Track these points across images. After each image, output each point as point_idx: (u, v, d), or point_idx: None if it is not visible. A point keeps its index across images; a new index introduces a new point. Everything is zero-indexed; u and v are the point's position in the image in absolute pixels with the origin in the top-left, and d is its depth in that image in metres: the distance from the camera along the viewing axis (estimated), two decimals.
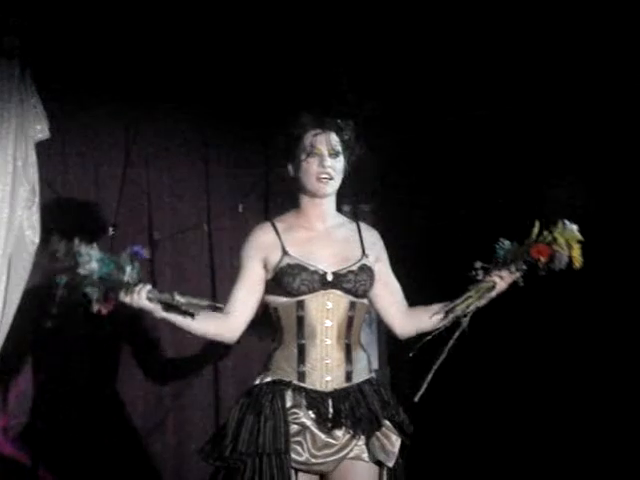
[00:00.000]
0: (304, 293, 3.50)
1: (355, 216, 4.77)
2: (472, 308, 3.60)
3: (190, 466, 4.60)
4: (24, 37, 4.45)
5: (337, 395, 3.47)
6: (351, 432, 3.47)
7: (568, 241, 3.50)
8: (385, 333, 4.81)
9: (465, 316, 3.60)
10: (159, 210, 4.81)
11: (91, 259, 3.27)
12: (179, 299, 3.38)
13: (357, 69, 4.87)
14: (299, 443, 3.44)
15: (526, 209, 3.61)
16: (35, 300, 4.48)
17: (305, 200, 3.61)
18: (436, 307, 3.64)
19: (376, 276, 3.61)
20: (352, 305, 3.54)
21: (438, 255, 4.71)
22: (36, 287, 4.50)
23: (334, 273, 3.53)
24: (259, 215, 4.77)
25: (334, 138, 3.58)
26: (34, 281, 4.49)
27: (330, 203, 3.64)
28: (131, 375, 4.69)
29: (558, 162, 4.54)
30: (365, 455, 3.51)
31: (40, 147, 4.52)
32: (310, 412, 3.46)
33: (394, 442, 3.54)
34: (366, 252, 3.63)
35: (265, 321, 3.66)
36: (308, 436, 3.45)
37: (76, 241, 3.30)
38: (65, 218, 4.61)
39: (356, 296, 3.55)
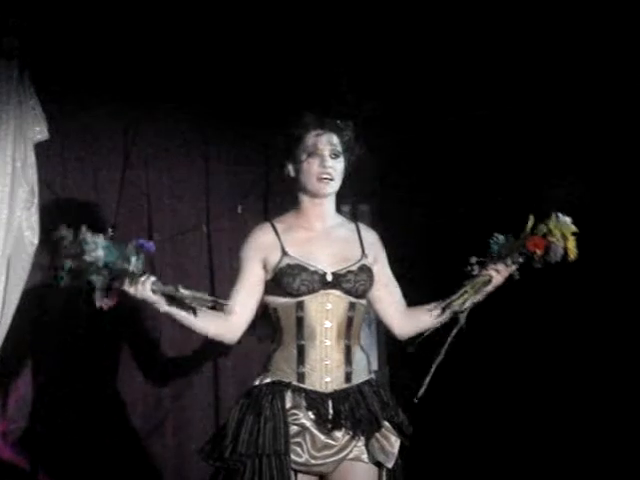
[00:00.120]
0: (304, 293, 3.49)
1: (354, 216, 4.79)
2: (469, 304, 3.60)
3: (190, 466, 4.59)
4: (23, 38, 4.45)
5: (337, 396, 3.47)
6: (351, 433, 3.47)
7: (563, 233, 3.52)
8: (384, 334, 4.80)
9: (462, 312, 3.60)
10: (159, 211, 4.80)
11: (97, 247, 3.28)
12: (183, 292, 3.38)
13: (356, 69, 4.86)
14: (299, 444, 3.43)
15: (525, 207, 3.59)
16: (34, 301, 4.50)
17: (305, 200, 3.61)
18: (434, 305, 3.65)
19: (375, 277, 3.61)
20: (352, 306, 3.54)
21: (437, 255, 4.71)
22: (35, 288, 4.51)
23: (334, 273, 3.53)
24: (258, 216, 4.76)
25: (335, 139, 3.59)
26: (33, 282, 4.50)
27: (330, 203, 3.64)
28: (131, 376, 4.69)
29: (557, 160, 4.55)
30: (364, 456, 3.51)
31: (39, 148, 4.52)
32: (310, 413, 3.46)
33: (393, 443, 3.54)
34: (365, 252, 3.63)
35: (265, 322, 3.66)
36: (308, 437, 3.45)
37: (83, 229, 3.32)
38: (64, 219, 4.58)
39: (355, 296, 3.55)
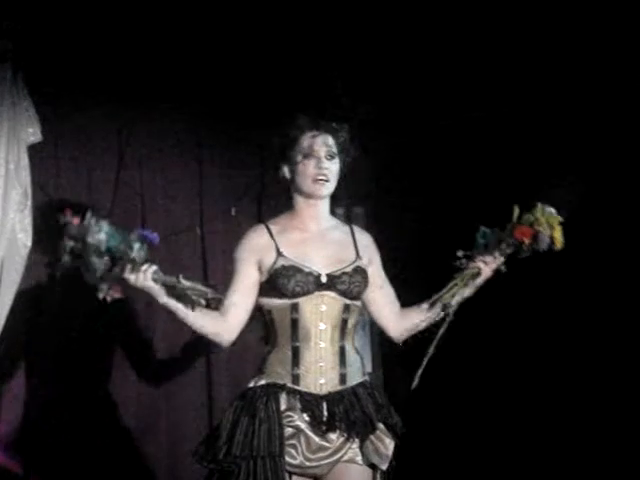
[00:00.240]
0: (299, 295, 3.49)
1: (349, 219, 4.79)
2: (458, 297, 3.60)
3: (183, 467, 4.58)
4: (16, 40, 4.45)
5: (331, 398, 3.47)
6: (345, 435, 3.46)
7: (549, 222, 3.53)
8: (378, 335, 4.80)
9: (452, 306, 3.59)
10: (152, 212, 4.80)
11: (101, 230, 3.29)
12: (184, 282, 3.38)
13: (351, 72, 4.86)
14: (293, 446, 3.43)
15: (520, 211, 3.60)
16: (28, 303, 4.49)
17: (300, 202, 3.61)
18: (425, 303, 3.65)
19: (370, 279, 3.61)
20: (346, 307, 3.54)
21: (431, 257, 4.69)
22: (28, 290, 4.51)
23: (328, 275, 3.53)
24: (252, 219, 4.75)
25: (330, 140, 3.59)
26: (26, 284, 4.50)
27: (324, 205, 3.64)
28: (124, 377, 4.69)
29: (552, 164, 4.55)
30: (359, 458, 3.50)
31: (32, 150, 4.52)
32: (304, 415, 3.46)
33: (388, 445, 3.53)
34: (360, 254, 3.63)
35: (258, 324, 3.66)
36: (302, 439, 3.44)
37: (88, 214, 3.32)
38: (57, 221, 4.59)
39: (350, 298, 3.55)
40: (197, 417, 4.79)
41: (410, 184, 4.96)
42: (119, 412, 4.66)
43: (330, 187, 3.58)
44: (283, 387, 3.47)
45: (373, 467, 3.53)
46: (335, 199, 3.69)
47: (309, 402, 3.45)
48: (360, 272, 3.58)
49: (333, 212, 3.73)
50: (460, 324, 4.23)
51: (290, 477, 3.44)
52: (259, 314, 3.61)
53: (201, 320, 3.47)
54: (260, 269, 3.55)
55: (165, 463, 4.73)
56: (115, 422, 4.65)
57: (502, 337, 4.77)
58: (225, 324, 3.52)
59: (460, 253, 3.60)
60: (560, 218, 3.55)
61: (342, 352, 3.53)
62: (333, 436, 3.46)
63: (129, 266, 3.32)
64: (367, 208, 5.14)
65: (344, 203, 4.87)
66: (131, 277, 3.35)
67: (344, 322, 3.54)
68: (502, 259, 3.59)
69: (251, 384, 3.53)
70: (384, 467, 3.52)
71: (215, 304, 3.51)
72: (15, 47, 4.44)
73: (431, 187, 4.86)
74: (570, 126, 4.56)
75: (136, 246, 3.31)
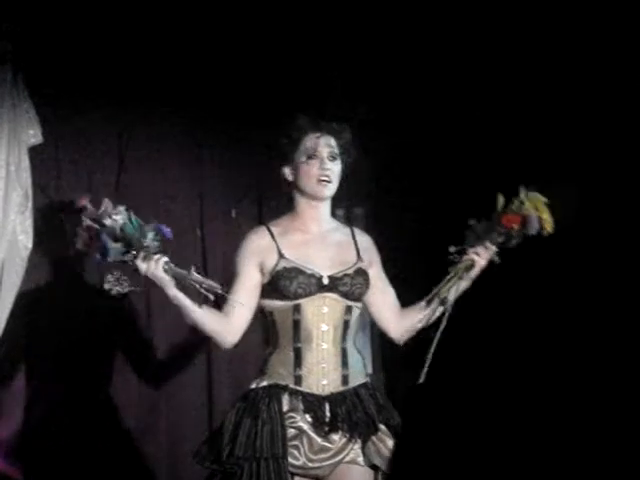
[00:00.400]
0: (301, 296, 3.50)
1: (349, 220, 4.79)
2: (454, 292, 3.61)
3: (184, 467, 4.56)
4: (16, 42, 4.44)
5: (334, 399, 3.48)
6: (347, 436, 3.47)
7: (535, 204, 3.55)
8: (379, 336, 4.80)
9: (448, 301, 3.60)
10: (153, 213, 4.79)
11: (119, 214, 3.35)
12: (195, 276, 3.39)
13: (350, 73, 4.86)
14: (296, 447, 3.44)
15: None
16: (28, 305, 4.49)
17: (302, 203, 3.62)
18: (423, 301, 3.67)
19: (371, 280, 3.62)
20: (348, 309, 3.55)
21: (431, 258, 4.70)
22: (29, 292, 4.51)
23: (330, 277, 3.54)
24: (252, 220, 4.75)
25: (333, 141, 3.60)
26: (27, 286, 4.49)
27: (326, 207, 3.65)
28: (125, 379, 4.67)
29: (551, 164, 4.56)
30: (360, 459, 3.52)
31: (33, 152, 4.52)
32: (307, 416, 3.47)
33: (390, 446, 3.55)
34: (361, 256, 3.64)
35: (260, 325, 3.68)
36: (305, 440, 3.45)
37: (105, 200, 3.35)
38: (58, 223, 4.60)
39: (352, 299, 3.56)
40: (197, 418, 4.77)
41: (410, 185, 4.95)
42: (119, 413, 4.65)
43: (332, 188, 3.60)
44: (285, 388, 3.48)
45: (375, 468, 3.54)
46: (335, 200, 3.70)
47: (312, 403, 3.46)
48: (361, 274, 3.59)
49: (333, 214, 3.74)
50: (461, 323, 4.25)
51: (292, 478, 3.44)
52: (260, 315, 3.62)
53: (206, 318, 3.48)
54: (262, 271, 3.56)
55: (165, 464, 4.71)
56: (115, 423, 4.64)
57: (503, 336, 4.77)
58: (229, 325, 3.52)
59: (452, 248, 3.62)
60: (545, 200, 3.56)
61: (344, 353, 3.54)
62: (335, 437, 3.47)
63: (142, 254, 3.36)
64: (367, 209, 5.14)
65: (344, 204, 4.86)
66: (142, 265, 3.37)
67: (346, 323, 3.55)
68: (494, 249, 3.60)
69: (253, 385, 3.54)
70: (385, 468, 3.54)
71: (222, 302, 3.51)
72: (15, 49, 4.42)
73: (431, 188, 4.86)
74: (570, 127, 4.56)
75: (150, 235, 3.36)
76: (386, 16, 4.68)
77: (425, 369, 3.56)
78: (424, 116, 4.89)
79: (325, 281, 3.53)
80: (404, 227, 4.81)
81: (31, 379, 4.53)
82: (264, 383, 3.51)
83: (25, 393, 4.52)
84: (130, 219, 3.36)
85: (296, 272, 3.51)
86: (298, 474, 3.46)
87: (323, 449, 3.46)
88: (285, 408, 3.46)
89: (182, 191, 4.84)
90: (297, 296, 3.50)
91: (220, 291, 3.42)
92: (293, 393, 3.48)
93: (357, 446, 3.50)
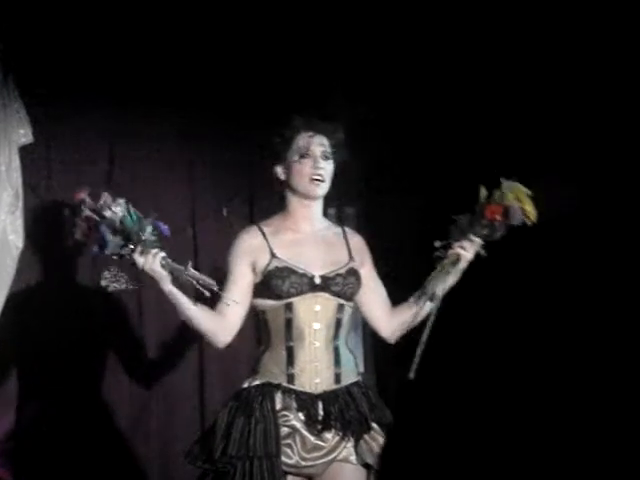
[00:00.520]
0: (293, 295, 3.50)
1: (340, 219, 4.80)
2: (443, 287, 3.60)
3: (176, 467, 4.56)
4: (7, 42, 4.44)
5: (326, 397, 3.48)
6: (340, 434, 3.48)
7: (517, 196, 3.55)
8: (370, 336, 4.81)
9: (437, 297, 3.60)
10: (143, 212, 4.77)
11: (119, 206, 3.35)
12: (191, 272, 3.39)
13: (343, 73, 4.86)
14: (289, 446, 3.44)
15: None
16: (19, 305, 4.49)
17: (294, 202, 3.62)
18: (412, 298, 3.67)
19: (362, 281, 3.62)
20: (340, 307, 3.56)
21: (423, 257, 4.72)
22: (20, 292, 4.50)
23: (322, 276, 3.54)
24: (244, 219, 4.76)
25: (325, 141, 3.61)
26: (18, 286, 4.49)
27: (318, 206, 3.65)
28: (116, 378, 4.67)
29: (547, 163, 4.57)
30: (353, 457, 3.52)
31: (24, 152, 4.51)
32: (300, 414, 3.47)
33: (382, 445, 3.55)
34: (352, 256, 3.65)
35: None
36: (298, 439, 3.45)
37: (105, 194, 3.37)
38: (49, 223, 4.60)
39: (344, 299, 3.57)
40: (189, 417, 4.77)
41: (401, 184, 4.96)
42: (111, 412, 4.64)
43: (325, 187, 3.60)
44: (278, 386, 3.48)
45: (367, 466, 3.54)
46: (326, 199, 3.70)
47: (304, 401, 3.46)
48: (353, 274, 3.59)
49: (325, 213, 3.75)
50: (454, 320, 4.26)
51: (285, 477, 3.44)
52: (252, 315, 3.62)
53: (201, 316, 3.47)
54: (254, 270, 3.56)
55: (157, 464, 4.71)
56: (107, 423, 4.63)
57: (496, 333, 4.77)
58: (223, 323, 3.51)
59: (437, 243, 3.63)
60: (527, 190, 3.56)
61: (336, 352, 3.54)
62: (328, 435, 3.47)
63: (139, 248, 3.35)
64: (358, 208, 5.15)
65: (335, 204, 4.87)
66: (140, 259, 3.37)
67: (338, 322, 3.55)
68: (479, 242, 3.60)
69: (245, 384, 3.53)
70: (378, 467, 3.54)
71: (217, 300, 3.51)
72: (6, 48, 4.43)
73: (422, 187, 4.86)
74: (571, 127, 4.57)
75: (148, 229, 3.36)
76: (381, 16, 4.69)
77: (415, 365, 3.56)
78: (416, 116, 4.90)
79: (317, 281, 3.53)
80: (395, 227, 4.81)
81: (22, 379, 4.52)
82: (257, 382, 3.51)
83: (16, 393, 4.51)
84: (130, 212, 3.36)
85: (288, 272, 3.51)
86: (291, 473, 3.46)
87: (316, 447, 3.46)
88: (278, 407, 3.46)
89: (173, 190, 4.83)
90: (289, 295, 3.50)
91: (215, 288, 3.41)
92: (286, 392, 3.48)
93: (350, 444, 3.50)
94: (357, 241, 3.73)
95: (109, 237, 3.32)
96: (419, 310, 3.63)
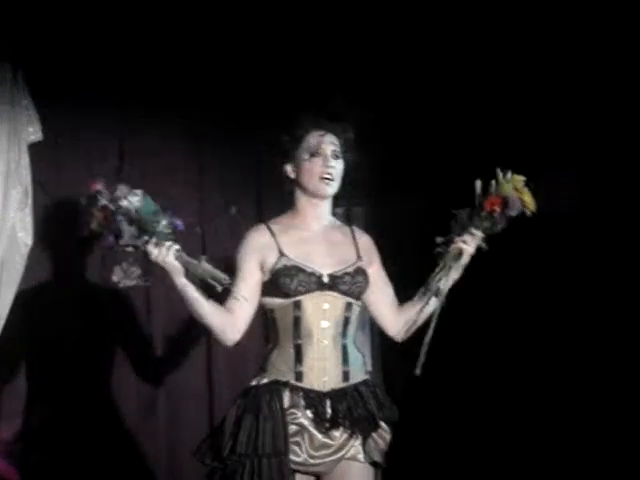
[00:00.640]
0: (301, 294, 3.50)
1: (348, 218, 4.80)
2: (447, 281, 3.60)
3: (183, 465, 4.58)
4: (17, 40, 4.45)
5: (334, 395, 3.48)
6: (349, 432, 3.48)
7: (514, 186, 3.56)
8: (378, 334, 4.81)
9: (441, 292, 3.60)
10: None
11: (136, 196, 3.35)
12: (205, 265, 3.38)
13: (350, 72, 4.87)
14: (297, 444, 3.44)
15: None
16: (28, 302, 4.50)
17: (303, 201, 3.63)
18: (417, 295, 3.68)
19: (370, 280, 3.62)
20: (348, 306, 3.56)
21: (431, 257, 4.72)
22: (29, 289, 4.51)
23: (330, 275, 3.54)
24: (252, 218, 4.76)
25: (336, 140, 3.62)
26: (27, 283, 4.50)
27: (327, 205, 3.66)
28: (123, 375, 4.67)
29: (553, 161, 4.58)
30: (361, 456, 3.52)
31: (33, 149, 4.52)
32: (308, 412, 3.47)
33: (390, 443, 3.56)
34: (360, 255, 3.65)
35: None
36: (306, 437, 3.45)
37: (121, 185, 3.37)
38: (58, 220, 4.61)
39: (352, 298, 3.57)
40: (197, 415, 4.77)
41: (409, 184, 4.97)
42: (118, 410, 4.65)
43: (335, 187, 3.60)
44: (286, 384, 3.48)
45: (375, 465, 3.55)
46: (335, 199, 3.70)
47: (313, 399, 3.46)
48: (361, 273, 3.60)
49: (333, 213, 3.75)
50: (459, 320, 4.27)
51: (293, 475, 3.44)
52: (260, 313, 3.62)
53: (210, 311, 3.46)
54: (262, 268, 3.56)
55: (165, 462, 4.71)
56: (114, 420, 4.63)
57: (501, 331, 4.79)
58: (232, 319, 3.51)
59: (439, 239, 3.63)
60: (523, 179, 3.57)
61: (344, 350, 3.54)
62: (336, 433, 3.47)
63: (154, 239, 3.34)
64: (366, 208, 5.15)
65: (344, 203, 4.86)
66: (154, 251, 3.36)
67: (346, 320, 3.55)
68: (480, 234, 3.60)
69: (253, 382, 3.53)
70: (386, 465, 3.55)
71: (227, 297, 3.51)
72: (16, 47, 4.44)
73: (430, 187, 4.87)
74: (571, 125, 4.58)
75: (163, 222, 3.35)
76: (386, 15, 4.70)
77: (421, 361, 3.56)
78: (424, 116, 4.90)
79: (325, 280, 3.53)
80: (403, 226, 4.82)
81: (31, 376, 4.53)
82: (265, 380, 3.51)
83: (25, 390, 4.52)
84: (147, 202, 3.35)
85: (296, 270, 3.51)
86: (299, 471, 3.45)
87: (324, 445, 3.46)
88: (286, 404, 3.46)
89: (182, 188, 4.83)
90: (297, 293, 3.50)
91: (226, 283, 3.40)
92: (294, 389, 3.48)
93: (358, 443, 3.51)
94: (365, 240, 3.73)
95: (124, 227, 3.31)
96: (423, 307, 3.64)
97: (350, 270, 3.58)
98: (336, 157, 3.60)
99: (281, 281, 3.50)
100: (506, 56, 4.69)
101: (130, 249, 3.38)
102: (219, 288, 3.40)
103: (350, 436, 3.49)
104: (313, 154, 3.57)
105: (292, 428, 3.44)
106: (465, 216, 3.61)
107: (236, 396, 3.55)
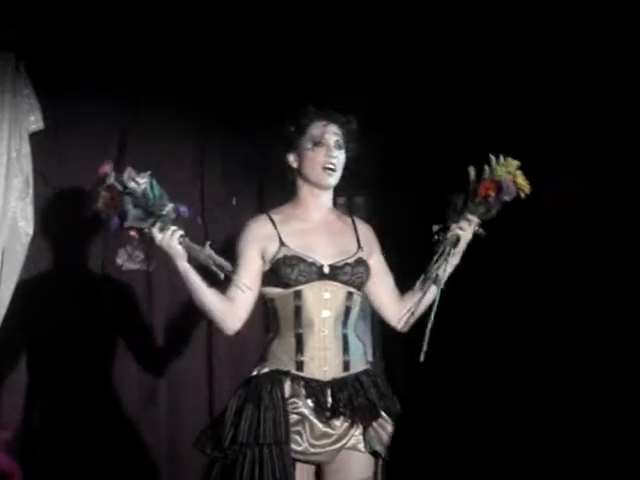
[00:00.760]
0: (301, 283, 3.51)
1: (349, 209, 4.81)
2: (445, 268, 3.61)
3: (184, 455, 4.57)
4: (19, 30, 4.45)
5: (335, 384, 3.49)
6: (349, 421, 3.49)
7: (507, 170, 3.56)
8: (379, 324, 4.81)
9: (441, 279, 3.61)
10: None
11: (143, 178, 3.37)
12: (209, 251, 3.39)
13: (351, 64, 4.86)
14: (298, 433, 3.45)
15: (521, 201, 3.63)
16: (29, 292, 4.50)
17: (304, 191, 3.63)
18: (417, 284, 3.69)
19: (371, 270, 3.62)
20: (349, 295, 3.56)
21: (432, 247, 4.73)
22: (30, 279, 4.51)
23: (331, 265, 3.55)
24: (253, 208, 4.76)
25: (339, 131, 3.62)
26: (28, 273, 4.50)
27: (328, 196, 3.67)
28: (124, 365, 4.67)
29: (555, 154, 4.57)
30: (361, 445, 3.53)
31: (34, 138, 4.52)
32: (309, 401, 3.48)
33: (390, 433, 3.56)
34: (361, 245, 3.66)
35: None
36: (307, 426, 3.46)
37: (129, 168, 3.38)
38: (59, 210, 4.61)
39: (353, 288, 3.57)
40: (198, 405, 4.77)
41: (411, 174, 4.97)
42: (119, 400, 4.65)
43: (337, 177, 3.61)
44: (287, 374, 3.49)
45: (375, 454, 3.56)
46: (336, 189, 3.71)
47: (313, 388, 3.47)
48: (362, 263, 3.61)
49: (334, 203, 3.75)
50: (460, 309, 4.27)
51: (294, 464, 3.44)
52: (261, 302, 3.63)
53: (212, 299, 3.47)
54: (263, 258, 3.57)
55: (165, 452, 4.72)
56: (115, 410, 4.64)
57: (502, 320, 4.79)
58: (232, 307, 3.51)
59: (435, 227, 3.64)
60: (516, 162, 3.57)
61: (345, 339, 3.55)
62: (337, 423, 3.48)
63: (159, 223, 3.36)
64: (368, 198, 5.15)
65: (345, 193, 4.87)
66: (158, 235, 3.37)
67: (347, 309, 3.56)
68: (476, 220, 3.60)
69: (254, 372, 3.54)
70: (385, 454, 3.55)
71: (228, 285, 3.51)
72: (18, 36, 4.44)
73: (432, 176, 4.87)
74: (572, 123, 4.58)
75: (169, 206, 3.36)
76: (387, 6, 4.69)
77: (424, 348, 3.57)
78: (425, 105, 4.90)
79: (326, 270, 3.54)
80: (405, 216, 4.81)
81: (31, 366, 4.54)
82: (265, 369, 3.51)
83: (25, 380, 4.53)
84: (152, 186, 3.36)
85: (297, 260, 3.52)
86: (300, 460, 3.46)
87: (325, 435, 3.47)
88: (287, 394, 3.47)
89: (183, 179, 4.83)
90: (297, 283, 3.51)
91: (228, 270, 3.41)
92: (295, 379, 3.48)
93: (358, 432, 3.52)
94: (366, 231, 3.74)
95: (130, 208, 3.32)
96: (423, 295, 3.65)
97: (351, 261, 3.58)
98: (339, 147, 3.60)
99: (282, 271, 3.51)
100: (506, 53, 4.69)
101: (134, 232, 3.38)
102: (221, 275, 3.40)
103: (351, 426, 3.50)
104: (316, 144, 3.58)
105: (293, 417, 3.45)
106: (460, 202, 3.62)
107: (237, 386, 3.56)
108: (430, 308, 3.63)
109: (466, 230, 3.61)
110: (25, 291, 4.48)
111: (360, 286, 3.60)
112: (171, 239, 3.38)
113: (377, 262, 3.70)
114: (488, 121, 4.75)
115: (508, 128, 4.64)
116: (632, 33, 4.37)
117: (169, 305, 4.71)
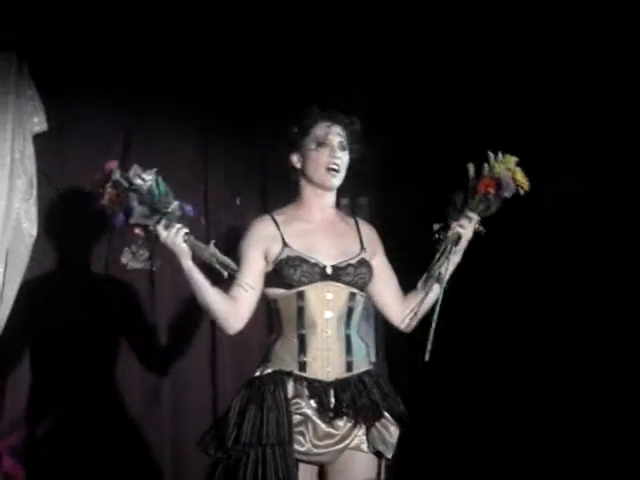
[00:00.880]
0: (304, 284, 3.51)
1: (353, 209, 4.82)
2: (447, 266, 3.61)
3: (188, 455, 4.58)
4: (22, 31, 4.46)
5: (338, 385, 3.49)
6: (352, 422, 3.49)
7: (506, 166, 3.57)
8: (382, 324, 4.82)
9: (443, 278, 3.61)
10: None
11: (149, 175, 3.37)
12: (213, 249, 3.39)
13: (354, 64, 4.87)
14: (301, 433, 3.45)
15: (523, 201, 3.63)
16: (32, 292, 4.51)
17: (308, 191, 3.64)
18: (419, 284, 3.69)
19: (374, 271, 3.63)
20: (352, 296, 3.57)
21: (436, 247, 4.74)
22: (33, 279, 4.52)
23: (333, 266, 3.55)
24: (257, 209, 4.76)
25: (343, 132, 3.62)
26: (31, 273, 4.51)
27: (332, 197, 3.67)
28: (128, 365, 4.68)
29: (554, 151, 4.58)
30: (364, 446, 3.53)
31: (38, 140, 4.53)
32: (312, 402, 3.48)
33: (393, 433, 3.57)
34: (364, 246, 3.66)
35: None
36: (310, 426, 3.46)
37: (135, 165, 3.38)
38: (63, 211, 4.61)
39: (355, 289, 3.58)
40: (201, 406, 4.78)
41: (414, 174, 4.97)
42: (123, 399, 4.66)
43: (340, 178, 3.62)
44: (290, 374, 3.49)
45: (378, 455, 3.56)
46: (339, 190, 3.71)
47: (316, 389, 3.47)
48: (365, 264, 3.61)
49: (337, 204, 3.76)
50: (464, 309, 4.27)
51: (296, 464, 3.44)
52: (264, 303, 3.63)
53: (215, 298, 3.47)
54: (266, 259, 3.57)
55: (169, 452, 4.73)
56: (118, 410, 4.65)
57: (506, 320, 4.79)
58: (235, 307, 3.51)
59: (436, 226, 3.64)
60: (515, 158, 3.58)
61: (348, 340, 3.55)
62: (340, 423, 3.48)
63: (164, 221, 3.36)
64: (371, 199, 5.16)
65: (348, 194, 4.88)
66: (163, 232, 3.37)
67: (350, 310, 3.56)
68: (477, 217, 3.61)
69: (257, 372, 3.54)
70: (389, 455, 3.56)
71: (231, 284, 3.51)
72: (21, 37, 4.44)
73: (435, 177, 4.87)
74: (570, 120, 4.59)
75: (174, 203, 3.37)
76: (389, 6, 4.69)
77: (428, 347, 3.57)
78: (428, 106, 4.90)
79: (328, 271, 3.54)
80: (408, 217, 4.82)
81: (35, 366, 4.54)
82: (268, 370, 3.52)
83: (29, 380, 4.53)
84: (158, 183, 3.37)
85: (300, 261, 3.52)
86: (303, 460, 3.46)
87: (328, 435, 3.47)
88: (290, 394, 3.47)
89: (187, 180, 4.82)
90: (300, 284, 3.51)
91: (232, 269, 3.41)
92: (298, 379, 3.49)
93: (361, 432, 3.52)
94: (369, 232, 3.74)
95: (136, 205, 3.33)
96: (426, 294, 3.65)
97: (353, 262, 3.59)
98: (342, 148, 3.60)
99: (284, 271, 3.51)
100: (506, 53, 4.70)
101: (139, 230, 3.38)
102: (225, 273, 3.40)
103: (354, 426, 3.50)
104: (320, 144, 3.58)
105: (296, 418, 3.45)
106: (460, 200, 3.63)
107: (240, 386, 3.56)
108: (433, 308, 3.64)
109: (467, 228, 3.61)
110: (29, 292, 4.49)
111: (363, 287, 3.60)
112: (176, 237, 3.38)
113: (380, 263, 3.71)
114: (488, 120, 4.75)
115: (508, 127, 4.65)
116: (632, 33, 4.38)
117: (173, 305, 4.71)
